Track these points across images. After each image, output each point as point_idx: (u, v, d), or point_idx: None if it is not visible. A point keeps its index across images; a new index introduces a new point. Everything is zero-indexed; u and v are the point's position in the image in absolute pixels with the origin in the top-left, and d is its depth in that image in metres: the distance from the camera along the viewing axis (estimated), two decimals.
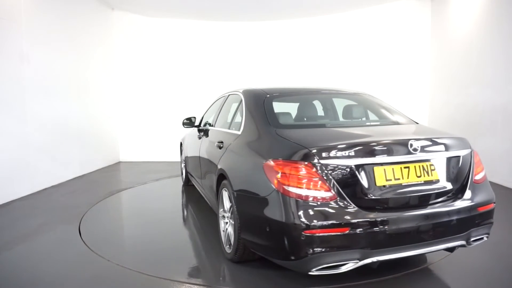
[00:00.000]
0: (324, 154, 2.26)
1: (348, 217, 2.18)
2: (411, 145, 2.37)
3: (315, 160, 2.24)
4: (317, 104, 3.71)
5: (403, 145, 2.38)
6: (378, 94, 8.39)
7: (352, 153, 2.28)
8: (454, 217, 2.38)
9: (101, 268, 2.96)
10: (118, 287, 2.70)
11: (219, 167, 3.18)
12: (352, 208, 2.22)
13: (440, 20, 7.63)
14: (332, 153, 2.26)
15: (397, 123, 3.16)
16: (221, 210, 3.17)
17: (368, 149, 2.32)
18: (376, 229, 2.20)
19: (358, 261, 2.21)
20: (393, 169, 2.34)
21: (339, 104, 3.71)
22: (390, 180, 2.33)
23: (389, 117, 3.31)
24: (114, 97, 8.40)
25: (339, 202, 2.22)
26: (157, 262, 3.06)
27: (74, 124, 6.66)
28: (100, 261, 3.07)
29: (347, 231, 2.16)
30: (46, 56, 5.85)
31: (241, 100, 3.39)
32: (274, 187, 2.28)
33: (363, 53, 8.35)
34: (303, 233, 2.14)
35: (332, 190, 2.22)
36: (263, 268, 2.85)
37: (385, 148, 2.36)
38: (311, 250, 2.15)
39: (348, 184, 2.26)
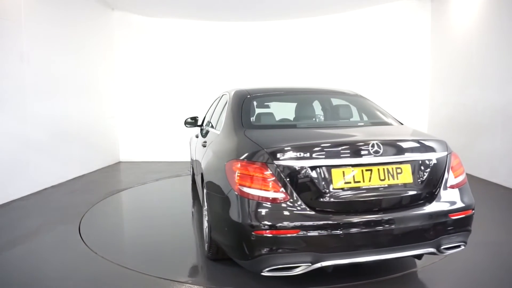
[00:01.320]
0: (278, 155, 2.22)
1: (299, 219, 2.15)
2: (373, 147, 2.26)
3: (270, 161, 2.21)
4: (297, 104, 3.69)
5: (364, 147, 2.28)
6: (378, 94, 8.42)
7: (307, 155, 2.22)
8: (420, 224, 2.27)
9: (101, 268, 2.96)
10: (118, 287, 2.70)
11: (201, 166, 3.24)
12: (305, 210, 2.17)
13: (440, 20, 7.63)
14: (287, 154, 2.22)
15: (376, 124, 3.10)
16: (204, 209, 3.21)
17: (324, 151, 2.26)
18: (329, 232, 2.15)
19: (310, 264, 2.17)
20: (353, 171, 2.26)
21: (324, 104, 3.69)
22: (349, 182, 2.24)
23: (369, 118, 3.26)
24: (114, 97, 8.40)
25: (291, 204, 2.18)
26: (157, 262, 3.06)
27: (74, 124, 6.66)
28: (100, 261, 3.07)
29: (298, 233, 2.13)
30: (46, 56, 5.85)
31: (227, 100, 3.41)
32: (231, 187, 2.29)
33: (363, 53, 8.35)
34: (253, 233, 2.14)
35: (285, 191, 2.18)
36: None
37: (344, 149, 2.28)
38: (262, 251, 2.14)
39: (302, 186, 2.21)
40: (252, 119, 3.01)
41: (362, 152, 2.26)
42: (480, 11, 6.21)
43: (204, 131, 4.15)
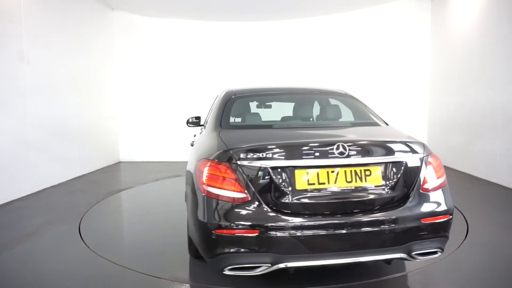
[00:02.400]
0: (242, 155, 2.22)
1: (259, 220, 2.14)
2: (338, 148, 2.22)
3: (233, 161, 2.21)
4: (281, 104, 3.69)
5: (328, 148, 2.23)
6: (378, 94, 8.41)
7: (269, 155, 2.20)
8: (388, 228, 2.20)
9: (101, 268, 2.96)
10: (118, 287, 2.70)
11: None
12: (266, 210, 2.16)
13: (440, 20, 7.63)
14: (250, 155, 2.21)
15: (357, 125, 3.06)
16: None
17: (287, 151, 2.25)
18: (289, 234, 2.12)
19: (270, 265, 2.15)
20: (318, 173, 2.22)
21: (309, 104, 3.69)
22: (313, 184, 2.21)
23: (353, 118, 3.23)
24: (114, 97, 8.40)
25: (252, 204, 2.17)
26: (157, 262, 3.06)
27: (74, 124, 6.66)
28: (100, 261, 3.07)
29: (257, 234, 2.12)
30: (46, 56, 5.85)
31: (216, 100, 3.45)
32: (198, 185, 2.31)
33: (363, 53, 8.35)
34: (214, 232, 2.15)
35: (246, 192, 2.18)
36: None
37: (308, 150, 2.25)
38: (222, 250, 2.16)
39: (264, 186, 2.19)
40: (232, 119, 3.02)
41: (327, 154, 2.22)
42: (480, 11, 6.21)
43: (200, 131, 4.17)
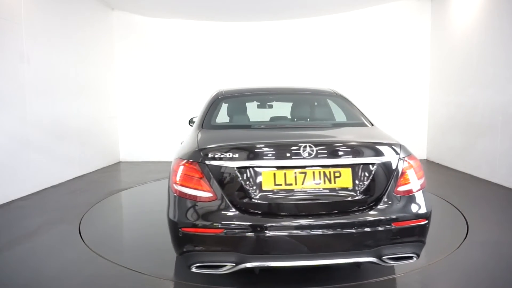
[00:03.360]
0: (210, 155, 2.24)
1: (224, 219, 2.16)
2: (305, 149, 2.20)
3: (202, 161, 2.24)
4: (270, 104, 3.69)
5: (295, 149, 2.21)
6: (378, 94, 8.41)
7: (236, 155, 2.22)
8: (357, 231, 2.16)
9: (101, 268, 2.96)
10: (118, 287, 2.70)
11: None
12: (231, 210, 2.18)
13: (440, 20, 7.64)
14: (217, 154, 2.23)
15: (339, 125, 3.04)
16: None
17: (254, 152, 2.25)
18: (254, 234, 2.13)
19: (234, 264, 2.17)
20: (285, 173, 2.21)
21: (295, 105, 3.70)
22: (280, 185, 2.19)
23: (336, 118, 3.21)
24: (114, 97, 8.40)
25: (218, 204, 2.19)
26: (157, 262, 3.06)
27: (74, 124, 6.66)
28: (100, 261, 3.07)
29: (222, 233, 2.14)
30: (46, 56, 5.85)
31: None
32: (170, 184, 2.37)
33: (363, 53, 8.35)
34: (181, 230, 2.19)
35: (213, 191, 2.20)
36: (267, 272, 2.85)
37: (275, 151, 2.25)
38: (189, 247, 2.21)
39: (230, 186, 2.21)
40: (215, 119, 3.04)
41: (294, 154, 2.20)
42: (480, 11, 6.21)
43: None
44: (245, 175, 2.20)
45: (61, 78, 6.26)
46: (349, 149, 2.30)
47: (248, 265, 2.17)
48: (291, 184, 2.20)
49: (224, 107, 3.32)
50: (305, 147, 2.21)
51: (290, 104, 3.63)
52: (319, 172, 2.22)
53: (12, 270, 2.96)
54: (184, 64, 8.66)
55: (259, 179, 2.20)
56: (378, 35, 8.27)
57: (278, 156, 2.23)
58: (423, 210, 2.29)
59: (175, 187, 2.28)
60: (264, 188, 2.20)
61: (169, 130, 8.50)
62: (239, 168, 2.21)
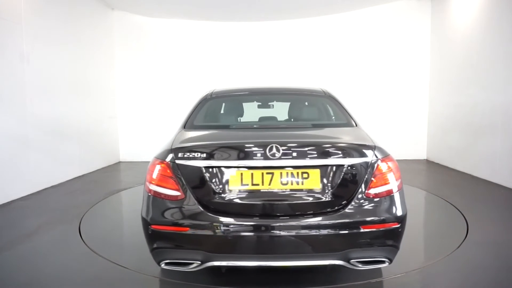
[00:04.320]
0: (179, 155, 2.28)
1: (191, 218, 2.19)
2: (270, 150, 2.19)
3: (172, 160, 2.29)
4: (258, 105, 3.70)
5: (264, 149, 2.21)
6: (378, 94, 8.41)
7: (204, 155, 2.25)
8: (322, 233, 2.13)
9: (101, 268, 2.96)
10: (118, 287, 2.70)
11: None
12: (197, 209, 2.20)
13: (440, 20, 7.64)
14: (187, 154, 2.27)
15: (320, 126, 3.01)
16: None
17: (221, 152, 2.28)
18: (219, 233, 2.16)
19: (200, 263, 2.20)
20: (252, 174, 2.21)
21: (281, 105, 3.77)
22: (247, 185, 2.20)
23: (319, 119, 3.19)
24: (114, 97, 8.40)
25: (186, 202, 2.22)
26: None
27: (74, 124, 6.66)
28: (100, 261, 3.07)
29: (188, 231, 2.17)
30: (46, 56, 5.85)
31: None
32: (145, 182, 2.41)
33: (363, 53, 8.35)
34: (150, 227, 2.24)
35: (181, 190, 2.24)
36: (268, 272, 2.85)
37: (241, 151, 2.26)
38: (158, 244, 2.26)
39: (198, 186, 2.24)
40: (198, 119, 3.06)
41: (261, 155, 2.21)
42: (480, 11, 6.22)
43: None
44: (212, 174, 2.24)
45: (61, 78, 6.26)
46: (319, 150, 2.27)
47: (214, 263, 2.21)
48: (258, 185, 2.20)
49: (211, 107, 3.35)
50: (271, 148, 2.20)
51: (280, 104, 3.68)
52: (287, 173, 2.21)
53: (12, 270, 2.96)
54: (184, 64, 8.66)
55: (226, 179, 2.23)
56: (378, 35, 8.27)
57: (245, 157, 2.24)
58: (395, 214, 2.23)
59: (147, 185, 2.35)
60: (230, 188, 2.21)
61: (169, 130, 8.48)
62: (206, 167, 2.24)
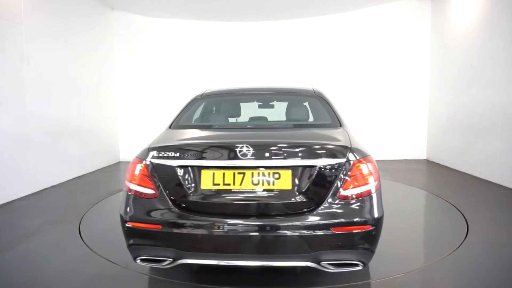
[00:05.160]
0: (155, 154, 2.35)
1: (163, 216, 2.24)
2: (241, 150, 2.20)
3: (148, 159, 2.36)
4: (246, 105, 3.73)
5: (235, 149, 2.22)
6: (378, 94, 8.41)
7: (177, 154, 2.29)
8: (292, 234, 2.12)
9: (101, 268, 2.96)
10: (118, 287, 2.70)
11: None
12: (170, 207, 2.25)
13: (440, 20, 7.64)
14: (161, 154, 2.33)
15: (303, 126, 2.99)
16: None
17: (193, 152, 2.31)
18: (189, 231, 2.19)
19: (172, 260, 2.24)
20: (224, 173, 2.23)
21: (267, 105, 3.83)
22: (218, 184, 2.23)
23: (303, 119, 3.18)
24: (114, 97, 8.40)
25: (159, 200, 2.27)
26: None
27: (74, 124, 6.66)
28: (100, 261, 3.07)
29: (160, 229, 2.21)
30: (46, 56, 5.85)
31: None
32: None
33: (363, 53, 8.35)
34: (126, 224, 2.30)
35: (155, 188, 2.29)
36: (268, 272, 2.85)
37: (213, 151, 2.30)
38: (133, 241, 2.32)
39: (171, 184, 2.29)
40: (184, 119, 3.12)
41: (233, 155, 2.22)
42: (480, 11, 6.22)
43: None
44: (185, 174, 2.28)
45: (61, 78, 6.26)
46: (290, 151, 2.26)
47: (185, 261, 2.24)
48: (229, 184, 2.22)
49: (199, 107, 3.41)
50: (241, 148, 2.22)
51: (271, 104, 3.74)
52: (258, 173, 2.22)
53: (12, 270, 2.96)
54: (184, 64, 8.66)
55: (198, 179, 2.26)
56: (378, 35, 8.27)
57: (217, 157, 2.27)
58: (368, 216, 2.17)
59: (125, 183, 2.40)
60: (202, 187, 2.25)
61: None
62: (179, 167, 2.28)
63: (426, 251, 3.38)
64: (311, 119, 3.27)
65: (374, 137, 8.31)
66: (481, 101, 6.16)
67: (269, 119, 3.55)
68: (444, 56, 7.49)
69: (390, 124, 8.34)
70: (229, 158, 2.23)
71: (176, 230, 2.21)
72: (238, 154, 2.21)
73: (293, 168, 2.22)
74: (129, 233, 2.31)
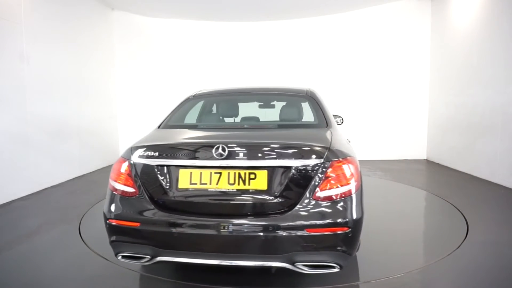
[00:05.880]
0: (136, 153, 2.40)
1: (141, 213, 2.28)
2: (217, 150, 2.22)
3: (130, 158, 2.41)
4: (239, 105, 3.77)
5: (211, 149, 2.24)
6: (378, 94, 8.40)
7: (156, 154, 2.34)
8: (266, 234, 2.12)
9: (101, 268, 2.96)
10: (118, 287, 2.70)
11: None
12: (148, 205, 2.29)
13: (440, 20, 7.64)
14: (142, 153, 2.38)
15: (288, 126, 2.99)
16: None
17: (171, 151, 2.36)
18: (166, 230, 2.22)
19: (150, 257, 2.28)
20: (201, 173, 2.26)
21: (259, 105, 3.87)
22: (195, 184, 2.25)
23: (290, 120, 3.19)
24: (114, 97, 8.40)
25: (138, 199, 2.32)
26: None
27: (74, 124, 6.66)
28: (100, 261, 3.07)
29: (138, 226, 2.25)
30: (46, 56, 5.85)
31: None
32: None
33: (363, 53, 8.35)
34: (107, 221, 2.36)
35: (135, 187, 2.34)
36: (269, 272, 2.85)
37: (190, 151, 2.33)
38: (114, 238, 2.36)
39: (150, 183, 2.33)
40: (173, 119, 3.14)
41: (207, 155, 2.26)
42: (480, 11, 6.21)
43: None
44: (163, 173, 2.32)
45: (61, 78, 6.26)
46: (266, 151, 2.25)
47: (162, 259, 2.27)
48: (206, 184, 2.25)
49: (190, 108, 3.42)
50: (217, 148, 2.23)
51: (263, 104, 3.76)
52: (234, 173, 2.23)
53: (12, 270, 2.96)
54: (184, 64, 8.66)
55: (175, 178, 2.30)
56: (378, 35, 8.27)
57: (194, 156, 2.30)
58: (344, 218, 2.13)
59: (109, 181, 2.45)
60: (180, 186, 2.28)
61: None
62: (158, 166, 2.33)
63: (426, 251, 3.38)
64: (298, 119, 3.26)
65: (374, 137, 8.32)
66: (481, 101, 6.16)
67: (261, 120, 3.55)
68: (444, 56, 7.48)
69: (390, 124, 8.34)
70: (206, 158, 2.26)
71: (154, 228, 2.25)
72: (214, 154, 2.23)
73: (269, 168, 2.22)
74: (111, 230, 2.36)
